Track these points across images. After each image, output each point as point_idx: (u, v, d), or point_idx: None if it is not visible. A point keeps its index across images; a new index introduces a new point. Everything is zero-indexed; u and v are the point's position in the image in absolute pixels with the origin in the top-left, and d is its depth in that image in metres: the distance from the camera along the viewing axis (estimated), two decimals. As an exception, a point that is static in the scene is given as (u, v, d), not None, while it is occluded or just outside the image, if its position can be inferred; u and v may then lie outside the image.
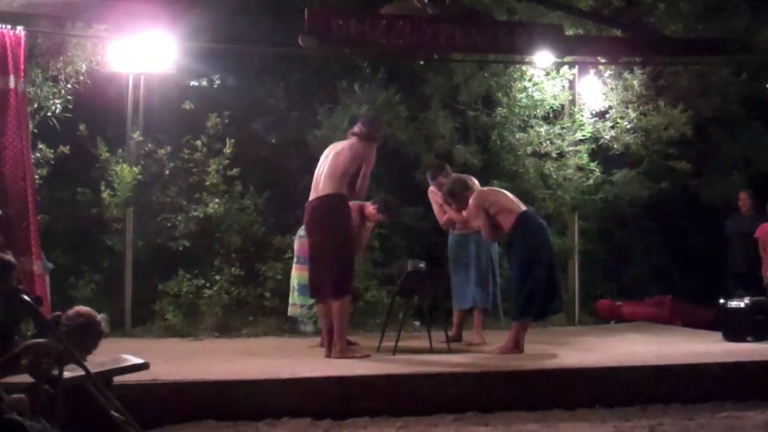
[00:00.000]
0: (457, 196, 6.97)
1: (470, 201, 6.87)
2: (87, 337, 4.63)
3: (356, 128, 6.59)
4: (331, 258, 6.32)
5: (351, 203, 6.61)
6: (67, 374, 4.07)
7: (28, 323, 4.53)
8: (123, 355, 4.84)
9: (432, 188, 7.64)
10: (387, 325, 7.10)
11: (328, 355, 6.39)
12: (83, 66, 7.69)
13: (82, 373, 4.05)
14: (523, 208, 6.86)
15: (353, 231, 6.74)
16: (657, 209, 11.13)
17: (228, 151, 9.00)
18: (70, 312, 4.77)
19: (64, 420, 3.99)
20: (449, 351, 6.72)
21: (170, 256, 8.97)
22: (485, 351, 6.84)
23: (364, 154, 6.42)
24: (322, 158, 6.59)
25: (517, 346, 6.60)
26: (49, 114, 7.65)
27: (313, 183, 6.54)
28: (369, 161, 6.45)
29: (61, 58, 7.58)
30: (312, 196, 6.51)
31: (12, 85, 6.45)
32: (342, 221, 6.41)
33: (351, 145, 6.45)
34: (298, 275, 7.80)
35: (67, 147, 8.15)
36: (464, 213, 7.03)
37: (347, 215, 6.49)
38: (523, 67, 9.53)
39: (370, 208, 7.09)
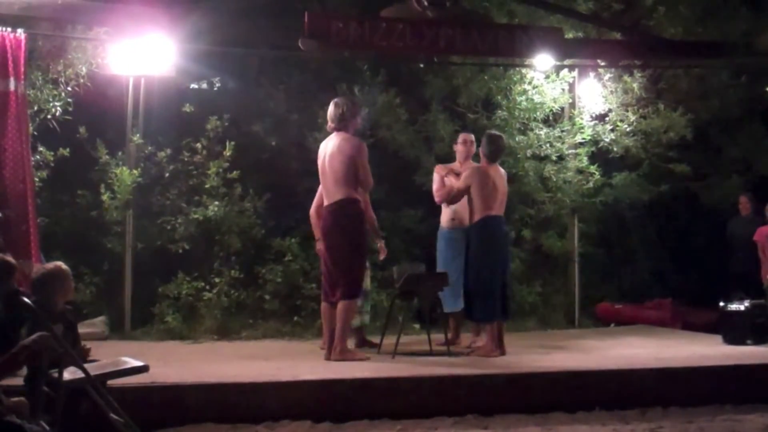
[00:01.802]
0: (488, 147, 7.03)
1: (471, 169, 7.01)
2: (56, 283, 4.68)
3: (330, 122, 6.63)
4: (346, 262, 6.43)
5: None
6: (66, 376, 4.08)
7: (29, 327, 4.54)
8: (122, 357, 4.85)
9: (437, 166, 7.70)
10: (387, 328, 7.12)
11: (328, 357, 6.41)
12: (83, 68, 7.69)
13: (82, 375, 4.06)
14: (497, 212, 6.91)
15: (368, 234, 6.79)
16: (657, 212, 11.13)
17: (228, 154, 9.00)
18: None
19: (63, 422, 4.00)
20: (449, 353, 6.72)
21: (170, 258, 8.96)
22: (476, 354, 6.84)
23: (353, 150, 6.45)
24: (319, 159, 6.64)
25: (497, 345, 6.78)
26: (49, 116, 7.65)
27: (323, 187, 6.63)
28: (361, 153, 6.48)
29: (61, 61, 7.57)
30: (325, 201, 6.60)
31: (12, 87, 6.45)
32: (356, 226, 6.49)
33: (339, 146, 6.48)
34: None
35: (67, 149, 8.15)
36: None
37: (361, 220, 6.55)
38: (523, 70, 9.53)
39: None
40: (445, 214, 7.60)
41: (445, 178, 7.46)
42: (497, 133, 7.39)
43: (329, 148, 6.56)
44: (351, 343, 7.04)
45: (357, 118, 6.74)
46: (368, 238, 6.93)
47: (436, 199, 7.53)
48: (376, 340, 7.22)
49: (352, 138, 6.56)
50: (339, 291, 6.43)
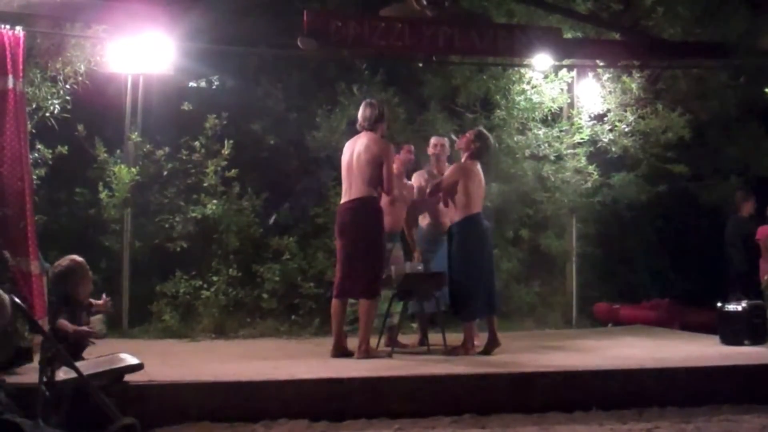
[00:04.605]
0: (476, 144, 6.98)
1: (457, 165, 7.02)
2: (76, 277, 4.83)
3: (363, 121, 6.68)
4: (363, 260, 6.46)
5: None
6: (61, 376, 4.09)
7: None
8: (119, 354, 4.87)
9: (416, 173, 7.69)
10: (385, 327, 7.12)
11: (335, 355, 6.46)
12: (82, 66, 7.67)
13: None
14: (478, 210, 6.94)
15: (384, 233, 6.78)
16: (655, 212, 11.14)
17: (226, 152, 9.01)
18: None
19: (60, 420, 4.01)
20: (446, 353, 6.73)
21: (168, 257, 8.96)
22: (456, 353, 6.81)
23: (381, 152, 6.52)
24: (344, 159, 6.69)
25: (473, 345, 6.82)
26: (47, 114, 7.63)
27: (344, 185, 6.66)
28: (388, 158, 6.55)
29: (59, 59, 7.55)
30: (344, 198, 6.63)
31: (11, 85, 6.43)
32: (374, 224, 6.53)
33: (367, 146, 6.53)
34: None
35: (66, 147, 8.14)
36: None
37: (379, 218, 6.58)
38: (522, 70, 9.54)
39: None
40: (424, 217, 7.61)
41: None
42: (486, 132, 7.36)
43: (357, 146, 6.61)
44: (378, 342, 7.07)
45: (386, 122, 6.81)
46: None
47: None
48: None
49: (381, 140, 6.62)
50: (359, 290, 6.47)
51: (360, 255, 6.47)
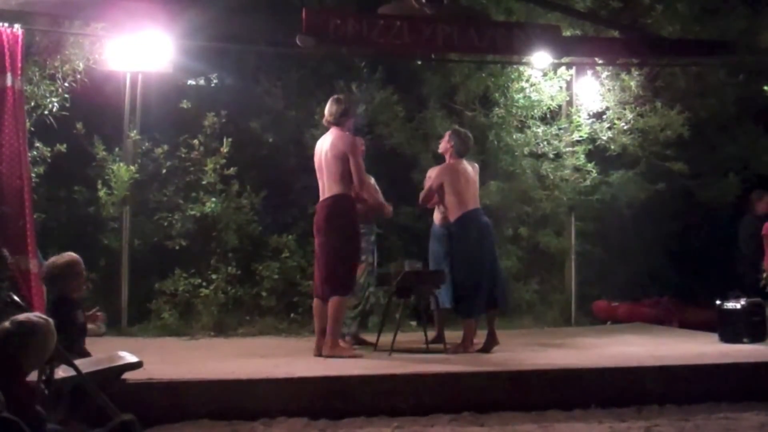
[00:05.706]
0: (450, 143, 7.06)
1: (439, 168, 7.08)
2: (69, 276, 4.84)
3: (328, 116, 6.64)
4: (338, 258, 6.44)
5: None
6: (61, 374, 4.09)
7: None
8: (119, 352, 4.86)
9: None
10: (384, 325, 7.12)
11: (318, 354, 6.43)
12: (81, 64, 7.67)
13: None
14: (474, 206, 6.95)
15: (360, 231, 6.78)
16: (654, 210, 11.14)
17: (225, 150, 9.00)
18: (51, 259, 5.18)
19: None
20: (445, 351, 6.73)
21: (167, 255, 8.96)
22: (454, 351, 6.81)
23: (345, 147, 6.48)
24: (316, 156, 6.68)
25: (472, 343, 6.82)
26: (46, 112, 7.63)
27: (319, 184, 6.65)
28: (354, 152, 6.52)
29: (58, 57, 7.56)
30: (320, 197, 6.64)
31: (9, 83, 6.44)
32: (347, 222, 6.51)
33: (333, 143, 6.51)
34: None
35: (64, 145, 8.14)
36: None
37: (353, 216, 6.57)
38: (521, 68, 9.53)
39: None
40: (438, 212, 7.61)
41: None
42: (463, 129, 7.37)
43: (325, 144, 6.60)
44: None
45: (353, 117, 6.80)
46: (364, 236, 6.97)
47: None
48: (371, 338, 7.23)
49: (347, 135, 6.59)
50: (330, 287, 6.43)
51: (337, 253, 6.45)
